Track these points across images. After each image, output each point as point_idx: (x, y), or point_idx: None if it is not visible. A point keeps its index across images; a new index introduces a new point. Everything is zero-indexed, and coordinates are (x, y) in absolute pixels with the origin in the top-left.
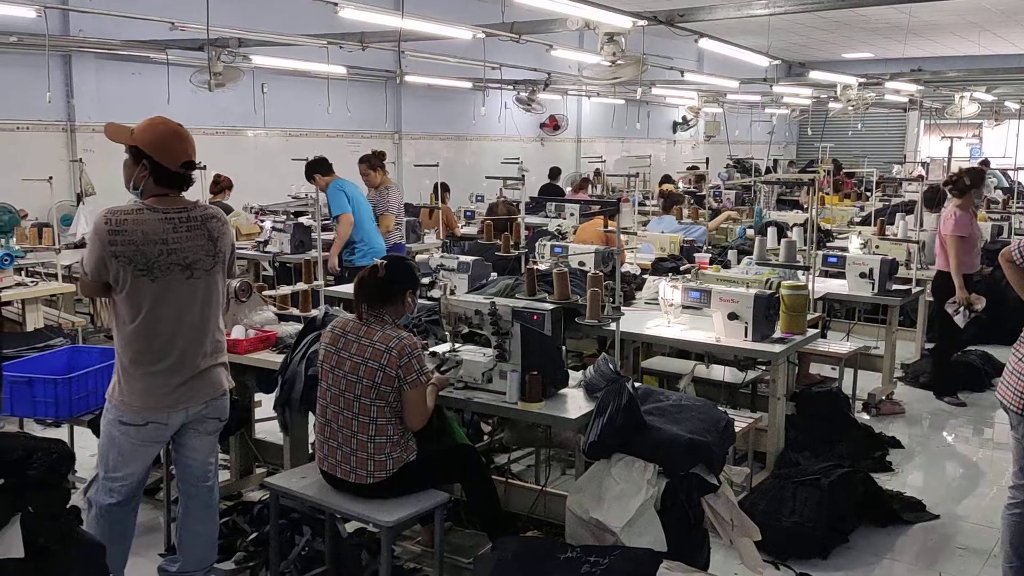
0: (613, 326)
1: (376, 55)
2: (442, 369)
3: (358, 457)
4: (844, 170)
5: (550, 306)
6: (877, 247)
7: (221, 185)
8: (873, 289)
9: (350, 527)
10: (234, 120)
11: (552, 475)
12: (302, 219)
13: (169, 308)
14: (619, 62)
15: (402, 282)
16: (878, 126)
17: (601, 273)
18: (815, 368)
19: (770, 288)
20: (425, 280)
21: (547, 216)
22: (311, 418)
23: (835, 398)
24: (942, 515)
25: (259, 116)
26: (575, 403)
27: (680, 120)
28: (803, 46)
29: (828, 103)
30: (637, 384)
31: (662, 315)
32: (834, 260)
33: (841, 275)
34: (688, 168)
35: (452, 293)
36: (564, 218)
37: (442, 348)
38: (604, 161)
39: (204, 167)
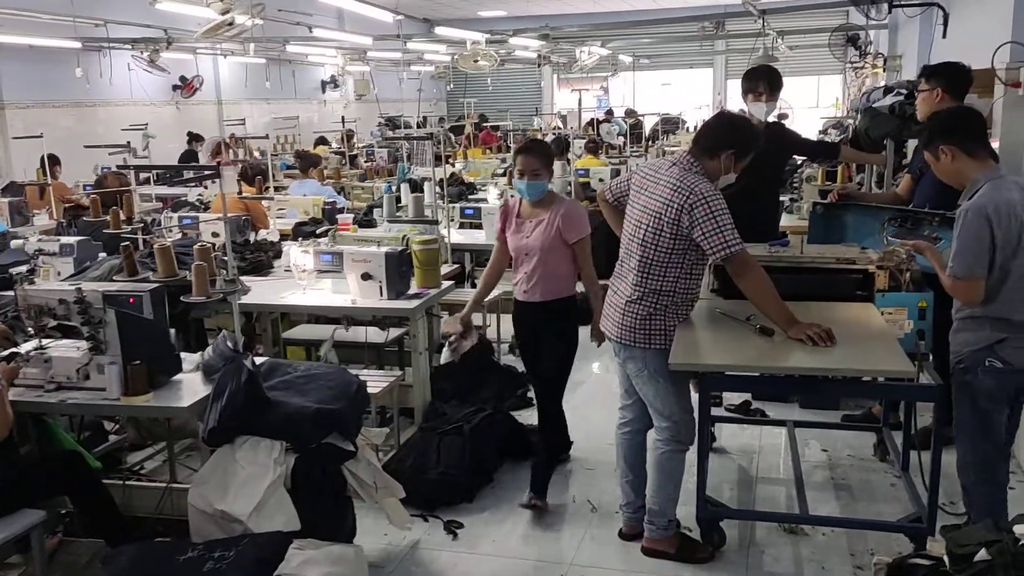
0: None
1: None
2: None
3: None
4: (488, 124)
5: (149, 287)
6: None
7: None
8: None
9: None
10: None
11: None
12: None
13: None
14: (230, 14)
15: None
16: (515, 81)
17: (209, 244)
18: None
19: (405, 245)
20: (21, 268)
21: (188, 187)
22: None
23: (479, 345)
24: (575, 440)
25: None
26: (191, 389)
27: (328, 79)
28: (440, 3)
29: (469, 60)
30: (262, 359)
31: (298, 283)
32: (471, 212)
33: (480, 226)
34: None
35: (59, 278)
36: (206, 187)
37: (28, 346)
38: (243, 123)
39: None
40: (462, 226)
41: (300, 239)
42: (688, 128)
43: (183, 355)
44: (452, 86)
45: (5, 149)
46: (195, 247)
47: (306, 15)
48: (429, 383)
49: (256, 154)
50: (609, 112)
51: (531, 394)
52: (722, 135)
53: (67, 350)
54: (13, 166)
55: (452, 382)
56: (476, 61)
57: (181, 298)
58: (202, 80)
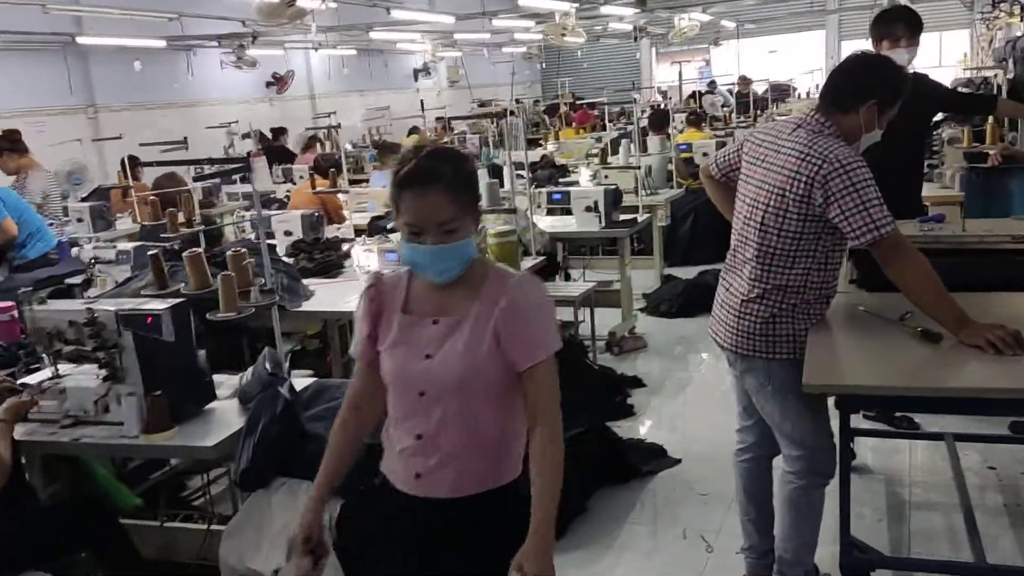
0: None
1: (45, 17)
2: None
3: None
4: (583, 102)
5: (165, 304)
6: (607, 177)
7: None
8: (600, 222)
9: None
10: None
11: None
12: None
13: None
14: None
15: None
16: (611, 57)
17: (244, 251)
18: (558, 314)
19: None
20: (76, 279)
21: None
22: None
23: (568, 346)
24: (684, 458)
25: None
26: (223, 421)
27: (420, 67)
28: None
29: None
30: (308, 380)
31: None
32: (559, 197)
33: (570, 211)
34: (436, 119)
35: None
36: (294, 183)
37: (40, 376)
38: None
39: None
40: (550, 212)
41: (373, 235)
42: (800, 95)
43: (224, 378)
44: (544, 65)
45: (100, 154)
46: (228, 253)
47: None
48: None
49: (348, 146)
50: (712, 84)
51: (632, 400)
52: (860, 81)
53: (85, 379)
54: (109, 171)
55: None
56: (563, 36)
57: (208, 315)
58: (293, 74)
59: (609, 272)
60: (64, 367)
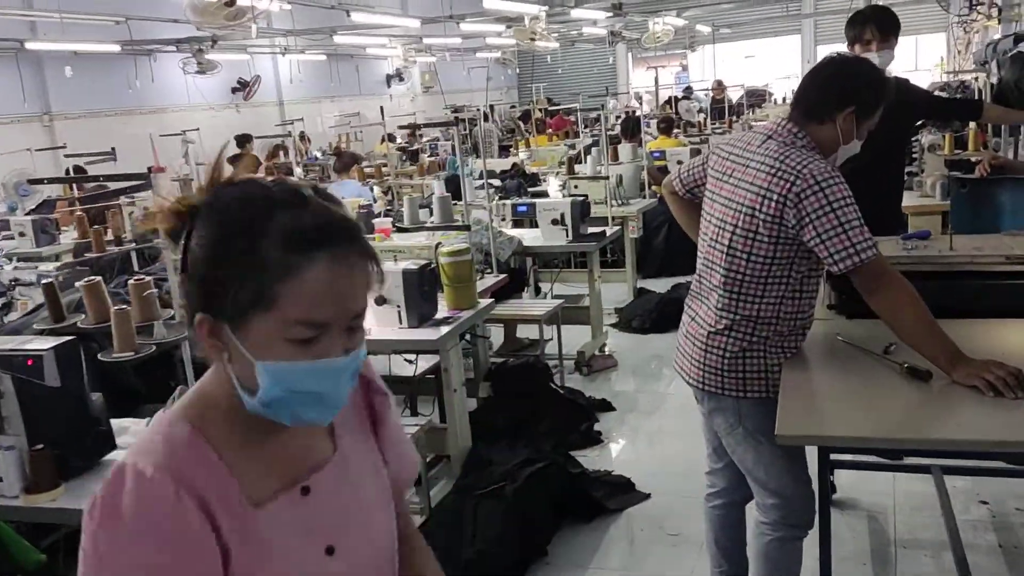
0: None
1: None
2: None
3: None
4: (557, 108)
5: (49, 343)
6: (576, 187)
7: None
8: (567, 236)
9: None
10: None
11: None
12: None
13: None
14: None
15: None
16: (587, 62)
17: (147, 279)
18: (524, 331)
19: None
20: None
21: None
22: None
23: (531, 370)
24: (653, 493)
25: None
26: None
27: (393, 73)
28: None
29: (526, 37)
30: None
31: None
32: (524, 209)
33: (536, 224)
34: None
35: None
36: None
37: None
38: (293, 123)
39: None
40: (516, 224)
41: None
42: (776, 101)
43: (131, 423)
44: (519, 70)
45: (57, 164)
46: (130, 282)
47: (367, 7)
48: (468, 425)
49: (316, 154)
50: (688, 89)
51: (600, 426)
52: (836, 87)
53: None
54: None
55: (503, 415)
56: (533, 40)
57: (99, 356)
58: (259, 79)
59: (581, 285)
60: None
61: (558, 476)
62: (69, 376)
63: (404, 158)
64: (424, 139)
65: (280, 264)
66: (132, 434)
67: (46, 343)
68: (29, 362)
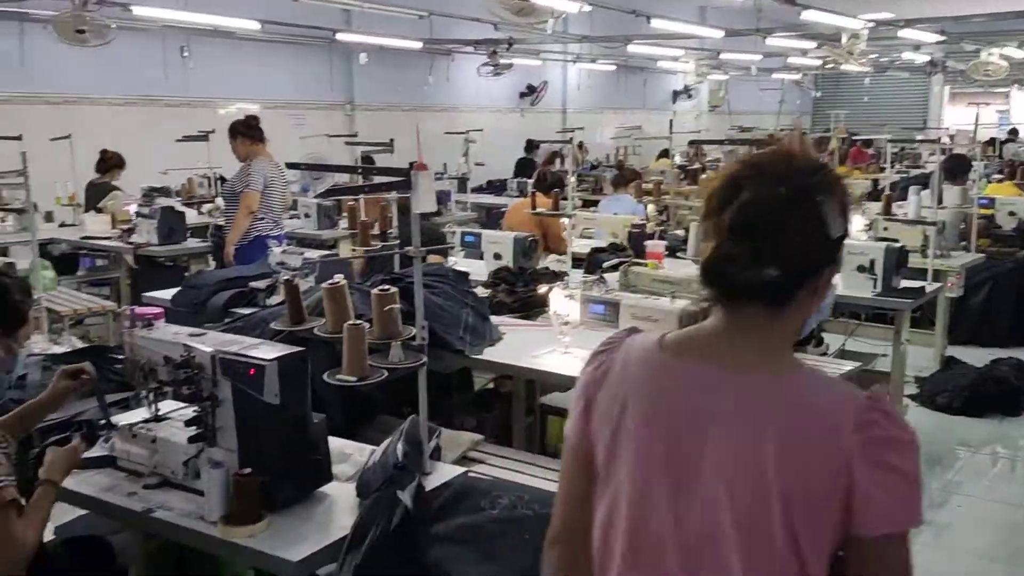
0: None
1: (311, 9)
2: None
3: None
4: (858, 138)
5: (273, 352)
6: (886, 229)
7: (109, 163)
8: (875, 287)
9: None
10: (146, 88)
11: None
12: (168, 201)
13: None
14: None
15: None
16: (898, 91)
17: (392, 290)
18: None
19: None
20: (261, 283)
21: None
22: None
23: None
24: None
25: (176, 84)
26: (329, 517)
27: (681, 89)
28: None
29: (843, 55)
30: (455, 473)
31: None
32: None
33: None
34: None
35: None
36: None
37: (135, 417)
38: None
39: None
40: None
41: (591, 271)
42: None
43: (356, 448)
44: (820, 93)
45: (352, 153)
46: (374, 292)
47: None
48: None
49: (593, 164)
50: (1013, 131)
51: None
52: None
53: (176, 431)
54: None
55: None
56: (846, 60)
57: (324, 377)
58: (547, 85)
59: (874, 342)
60: (168, 404)
61: None
62: (291, 393)
63: (683, 176)
64: (707, 158)
65: None
66: (352, 464)
67: (271, 351)
68: (251, 372)
